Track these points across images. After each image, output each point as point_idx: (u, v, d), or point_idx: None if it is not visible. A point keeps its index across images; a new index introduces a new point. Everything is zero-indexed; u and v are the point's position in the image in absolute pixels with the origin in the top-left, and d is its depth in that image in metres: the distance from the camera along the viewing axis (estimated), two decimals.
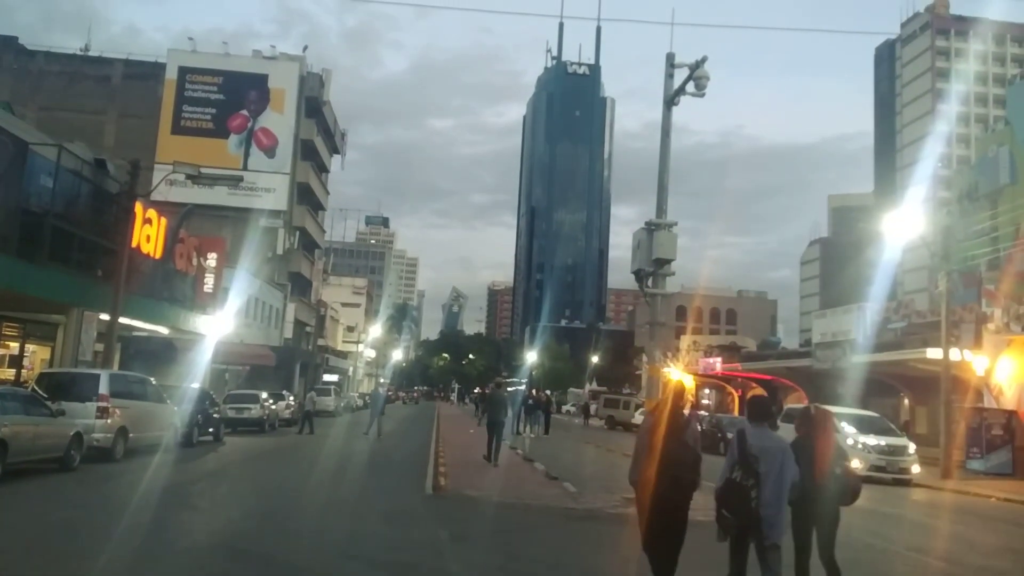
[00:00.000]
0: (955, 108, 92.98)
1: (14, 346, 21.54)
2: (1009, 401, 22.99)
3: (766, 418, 6.29)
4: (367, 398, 45.00)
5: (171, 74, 47.31)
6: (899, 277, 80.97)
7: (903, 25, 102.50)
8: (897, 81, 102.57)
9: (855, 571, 8.84)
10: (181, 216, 27.59)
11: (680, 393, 6.25)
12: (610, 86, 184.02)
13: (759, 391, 43.41)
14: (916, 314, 35.26)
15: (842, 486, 6.21)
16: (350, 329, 73.89)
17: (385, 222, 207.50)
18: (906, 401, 31.42)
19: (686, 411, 6.28)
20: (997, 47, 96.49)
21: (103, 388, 14.87)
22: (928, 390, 26.36)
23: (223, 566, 7.36)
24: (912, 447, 19.60)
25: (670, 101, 13.26)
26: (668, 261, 12.64)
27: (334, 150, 58.15)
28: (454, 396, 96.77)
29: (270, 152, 47.78)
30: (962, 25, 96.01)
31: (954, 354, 21.87)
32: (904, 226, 21.64)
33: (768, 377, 41.28)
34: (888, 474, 18.75)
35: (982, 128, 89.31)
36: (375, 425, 25.07)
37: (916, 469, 19.12)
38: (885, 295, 46.53)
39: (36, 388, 14.73)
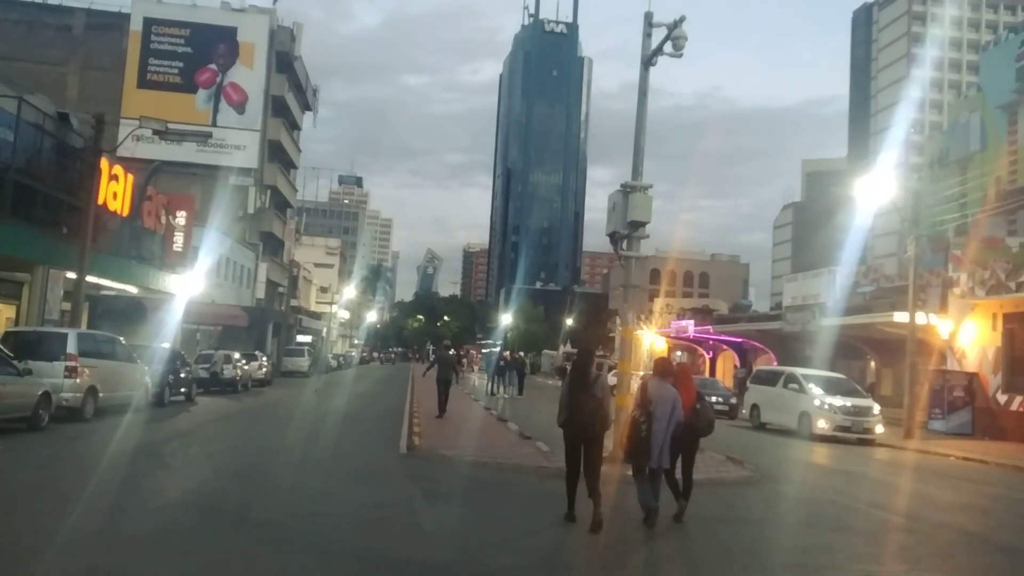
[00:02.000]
0: (929, 73, 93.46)
1: None
2: (971, 364, 23.58)
3: (666, 375, 8.20)
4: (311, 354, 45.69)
5: (136, 25, 45.73)
6: (869, 242, 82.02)
7: None
8: (873, 45, 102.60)
9: (819, 526, 9.11)
10: (149, 173, 26.97)
11: (589, 355, 8.45)
12: (588, 45, 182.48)
13: (728, 352, 44.08)
14: (885, 278, 35.82)
15: (700, 419, 8.32)
16: (323, 290, 73.33)
17: (358, 182, 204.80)
18: (872, 363, 32.10)
19: (594, 369, 8.31)
20: (972, 12, 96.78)
21: (71, 347, 14.64)
22: (894, 353, 26.93)
23: (195, 523, 7.36)
24: (877, 408, 20.07)
25: (647, 61, 13.11)
26: (643, 224, 12.62)
27: (306, 107, 56.93)
28: (430, 357, 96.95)
29: (240, 108, 46.64)
30: None
31: (920, 318, 22.31)
32: (876, 191, 21.85)
33: (739, 339, 41.88)
34: (853, 434, 19.23)
35: (955, 94, 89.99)
36: (318, 380, 29.10)
37: (880, 429, 19.62)
38: (855, 259, 47.18)
39: (2, 347, 14.40)
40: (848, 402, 19.66)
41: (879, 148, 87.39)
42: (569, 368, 8.64)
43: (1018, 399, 21.77)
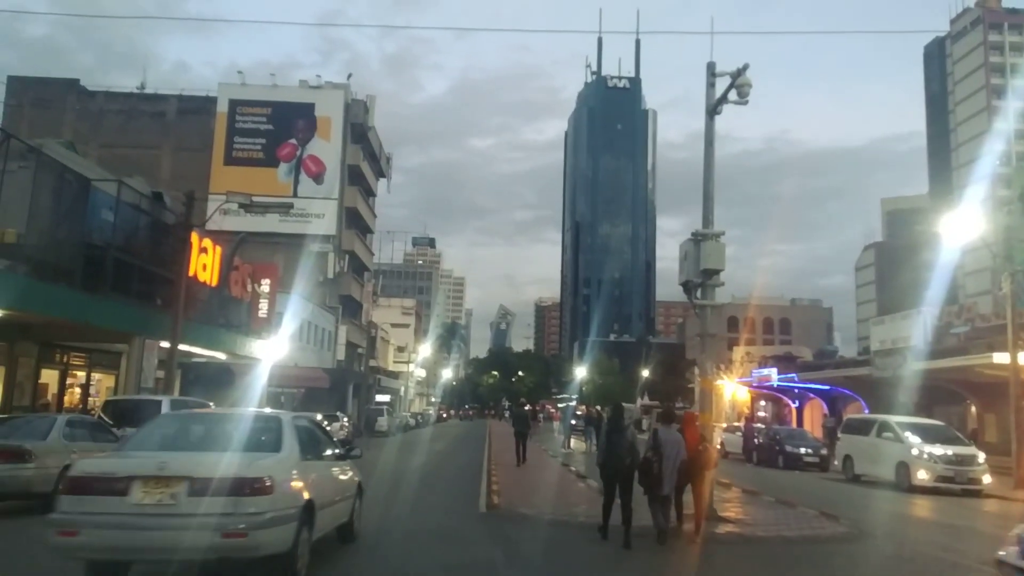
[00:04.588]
0: (1013, 103, 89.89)
1: (81, 375, 22.42)
2: None
3: (671, 421, 10.43)
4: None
5: (222, 107, 48.92)
6: (960, 280, 78.27)
7: (953, 21, 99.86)
8: (949, 79, 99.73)
9: None
10: (235, 244, 28.36)
11: (621, 409, 10.62)
12: (651, 97, 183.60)
13: (815, 401, 42.29)
14: (980, 317, 33.97)
15: (704, 457, 10.47)
16: (400, 349, 74.67)
17: (431, 243, 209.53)
18: (973, 408, 30.21)
19: (625, 422, 10.42)
20: None
21: (165, 413, 15.28)
22: (996, 396, 25.30)
23: None
24: (981, 456, 18.84)
25: (712, 110, 13.14)
26: (716, 271, 12.45)
27: (380, 174, 59.19)
28: (506, 413, 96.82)
29: (318, 179, 48.89)
30: (1016, 18, 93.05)
31: (1022, 358, 20.98)
32: (962, 227, 20.93)
33: (827, 387, 40.18)
34: (957, 484, 18.05)
35: None
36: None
37: (987, 479, 18.36)
38: (943, 299, 44.95)
39: (102, 415, 15.26)
40: (949, 450, 18.52)
41: (963, 182, 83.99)
42: (606, 419, 11.55)
43: None
